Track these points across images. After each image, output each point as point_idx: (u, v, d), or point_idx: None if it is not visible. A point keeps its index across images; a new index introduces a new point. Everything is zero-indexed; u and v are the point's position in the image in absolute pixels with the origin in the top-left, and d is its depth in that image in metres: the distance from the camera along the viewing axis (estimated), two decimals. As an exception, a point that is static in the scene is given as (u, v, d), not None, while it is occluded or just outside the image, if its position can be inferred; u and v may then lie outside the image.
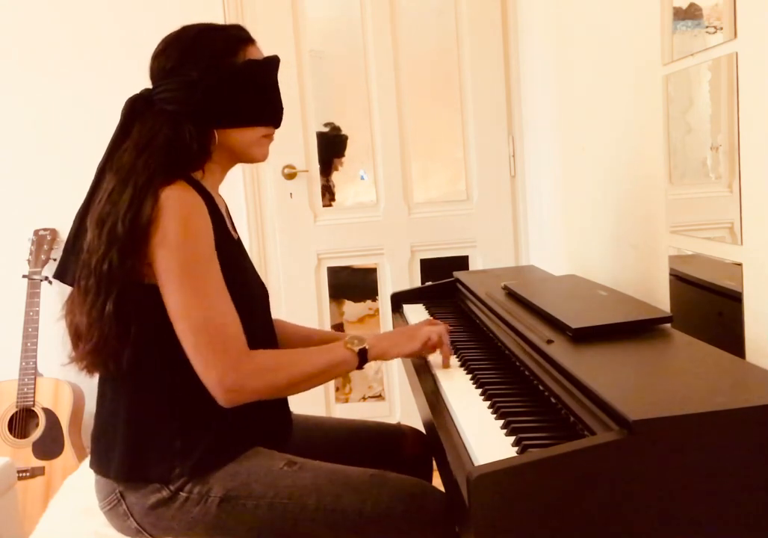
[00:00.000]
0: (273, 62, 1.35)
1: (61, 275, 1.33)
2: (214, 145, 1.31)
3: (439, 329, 1.38)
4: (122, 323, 1.20)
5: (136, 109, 1.31)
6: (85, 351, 1.23)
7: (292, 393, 1.31)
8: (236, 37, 1.33)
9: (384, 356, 1.33)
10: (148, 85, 1.33)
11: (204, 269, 1.21)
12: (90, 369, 1.26)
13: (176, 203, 1.20)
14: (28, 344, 2.58)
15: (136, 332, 1.21)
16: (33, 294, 2.62)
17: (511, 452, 0.97)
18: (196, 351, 1.20)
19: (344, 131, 2.85)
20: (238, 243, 1.41)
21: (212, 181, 1.35)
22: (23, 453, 2.55)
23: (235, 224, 1.46)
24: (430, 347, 1.37)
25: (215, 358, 1.19)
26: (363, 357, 1.29)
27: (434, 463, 1.45)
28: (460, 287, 1.98)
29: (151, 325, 1.22)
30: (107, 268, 1.19)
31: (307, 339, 1.59)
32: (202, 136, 1.29)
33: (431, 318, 1.62)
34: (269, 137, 1.37)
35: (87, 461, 1.45)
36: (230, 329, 1.21)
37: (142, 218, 1.18)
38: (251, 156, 1.36)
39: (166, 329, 1.21)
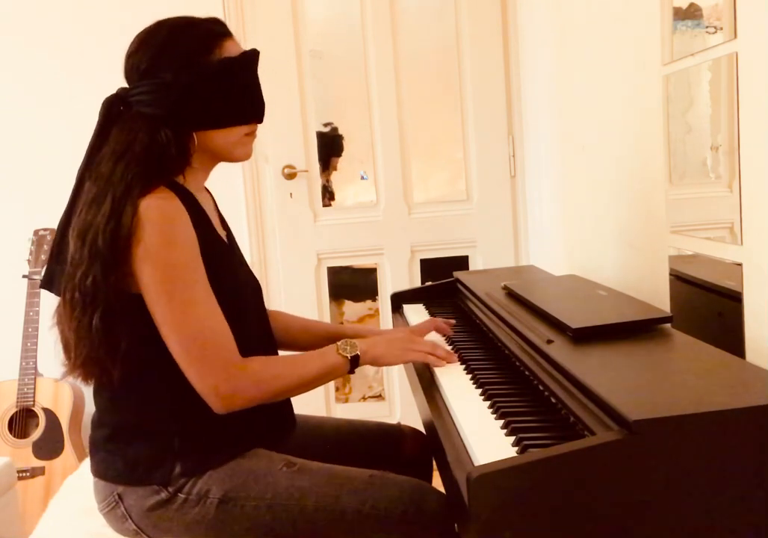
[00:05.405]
0: (250, 57, 1.28)
1: (48, 284, 1.30)
2: (194, 148, 1.26)
3: (431, 348, 1.36)
4: (111, 338, 1.18)
5: (113, 111, 1.27)
6: (76, 365, 1.22)
7: (286, 397, 1.31)
8: (211, 32, 1.27)
9: (375, 363, 1.32)
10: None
11: (189, 278, 1.19)
12: (84, 378, 1.25)
13: (155, 213, 1.17)
14: (28, 344, 2.58)
15: (126, 346, 1.19)
16: (33, 294, 2.61)
17: (511, 452, 0.97)
18: (188, 363, 1.18)
19: (344, 131, 2.85)
20: (227, 242, 1.37)
21: (194, 181, 1.31)
22: (23, 453, 2.55)
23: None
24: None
25: (208, 368, 1.18)
26: (354, 363, 1.28)
27: (434, 463, 1.45)
28: (460, 287, 1.98)
29: (140, 336, 1.20)
30: (91, 283, 1.16)
31: (305, 331, 1.59)
32: (181, 140, 1.24)
33: (432, 318, 1.62)
34: (252, 135, 1.32)
35: (87, 461, 1.45)
36: (221, 339, 1.20)
37: (122, 230, 1.15)
38: (234, 156, 1.32)
39: (155, 338, 1.20)
